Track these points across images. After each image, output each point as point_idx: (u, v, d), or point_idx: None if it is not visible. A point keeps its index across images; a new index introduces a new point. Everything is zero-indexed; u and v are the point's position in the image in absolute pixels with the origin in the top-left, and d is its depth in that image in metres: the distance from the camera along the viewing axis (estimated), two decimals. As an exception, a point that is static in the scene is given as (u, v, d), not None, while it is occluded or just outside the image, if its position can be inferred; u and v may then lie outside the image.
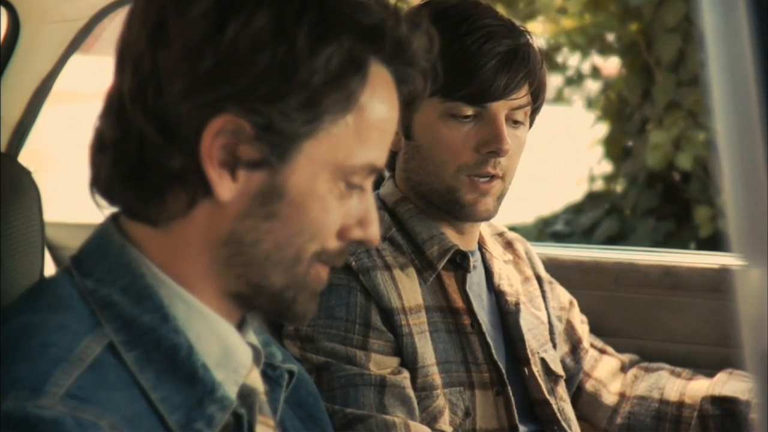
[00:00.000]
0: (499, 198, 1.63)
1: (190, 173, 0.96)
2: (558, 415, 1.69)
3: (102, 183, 1.01)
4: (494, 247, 1.77)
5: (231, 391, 1.01)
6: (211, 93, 0.93)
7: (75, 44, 2.02)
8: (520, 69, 1.59)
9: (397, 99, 1.02)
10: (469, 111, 1.59)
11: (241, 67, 0.93)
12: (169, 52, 0.94)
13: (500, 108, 1.59)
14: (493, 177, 1.60)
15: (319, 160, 0.97)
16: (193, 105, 0.94)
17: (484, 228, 1.76)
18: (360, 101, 0.97)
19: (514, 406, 1.62)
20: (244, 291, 1.02)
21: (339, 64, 0.95)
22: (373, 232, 1.03)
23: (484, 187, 1.60)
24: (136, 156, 0.97)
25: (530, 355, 1.69)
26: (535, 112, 1.67)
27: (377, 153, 1.01)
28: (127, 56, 0.98)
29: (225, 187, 0.96)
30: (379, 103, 0.99)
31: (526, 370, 1.69)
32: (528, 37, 1.64)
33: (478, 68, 1.57)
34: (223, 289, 1.02)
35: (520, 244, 1.86)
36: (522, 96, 1.61)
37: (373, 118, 0.99)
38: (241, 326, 1.07)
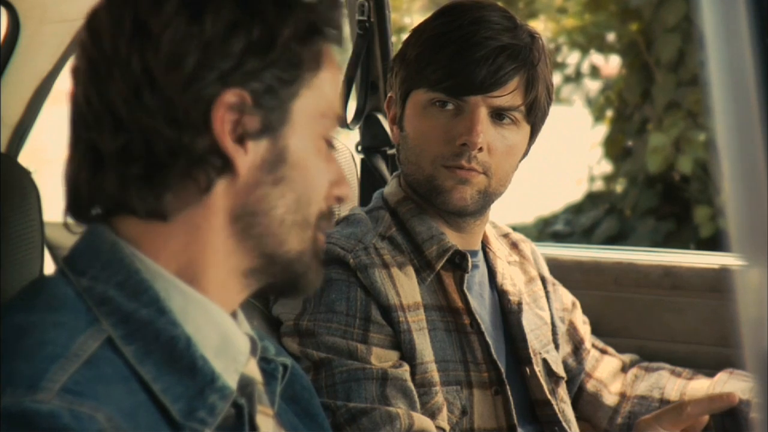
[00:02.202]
0: (482, 193, 1.60)
1: (210, 154, 1.00)
2: (559, 415, 1.69)
3: (104, 198, 1.02)
4: (498, 248, 1.77)
5: (231, 380, 1.03)
6: (208, 75, 0.99)
7: (75, 44, 2.01)
8: (505, 65, 1.57)
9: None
10: (450, 103, 1.59)
11: (225, 50, 0.99)
12: (157, 50, 0.98)
13: (480, 102, 1.58)
14: (470, 168, 1.58)
15: (307, 115, 1.04)
16: (196, 90, 0.99)
17: (489, 229, 1.76)
18: (326, 54, 1.06)
19: (512, 406, 1.62)
20: (258, 265, 1.05)
21: (307, 28, 1.03)
22: (347, 189, 1.11)
23: (461, 174, 1.59)
24: (147, 157, 0.99)
25: (532, 355, 1.69)
26: (535, 116, 1.64)
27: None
28: (107, 66, 1.00)
29: (241, 161, 1.01)
30: (334, 55, 1.09)
31: (527, 369, 1.69)
32: (531, 40, 1.61)
33: (462, 60, 1.56)
34: (235, 267, 1.05)
35: (526, 244, 1.86)
36: (506, 94, 1.58)
37: (335, 66, 1.09)
38: (233, 318, 1.08)
